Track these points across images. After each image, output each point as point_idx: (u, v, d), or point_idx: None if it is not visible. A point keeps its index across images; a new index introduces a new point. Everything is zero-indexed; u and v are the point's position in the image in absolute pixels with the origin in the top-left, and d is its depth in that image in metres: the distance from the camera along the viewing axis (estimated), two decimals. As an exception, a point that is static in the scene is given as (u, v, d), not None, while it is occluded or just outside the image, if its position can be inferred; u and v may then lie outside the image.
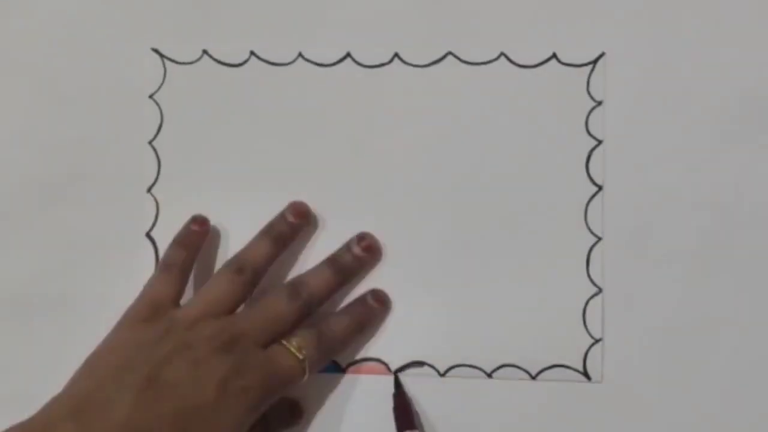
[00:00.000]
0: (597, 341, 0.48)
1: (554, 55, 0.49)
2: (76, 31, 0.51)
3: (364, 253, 0.48)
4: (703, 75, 0.49)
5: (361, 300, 0.48)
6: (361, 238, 0.48)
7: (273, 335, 0.45)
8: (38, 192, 0.51)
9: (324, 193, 0.50)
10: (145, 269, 0.50)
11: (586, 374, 0.48)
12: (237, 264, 0.47)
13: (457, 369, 0.49)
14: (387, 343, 0.49)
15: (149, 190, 0.51)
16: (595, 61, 0.49)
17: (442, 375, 0.49)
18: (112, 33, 0.51)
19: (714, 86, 0.49)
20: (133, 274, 0.50)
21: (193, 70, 0.51)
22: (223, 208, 0.50)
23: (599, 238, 0.48)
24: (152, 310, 0.45)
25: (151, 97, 0.51)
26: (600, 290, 0.48)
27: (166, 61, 0.51)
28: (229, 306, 0.46)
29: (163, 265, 0.48)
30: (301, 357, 0.44)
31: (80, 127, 0.51)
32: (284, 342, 0.45)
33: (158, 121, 0.51)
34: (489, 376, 0.48)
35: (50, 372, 0.49)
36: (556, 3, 0.49)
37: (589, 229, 0.48)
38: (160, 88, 0.51)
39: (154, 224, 0.51)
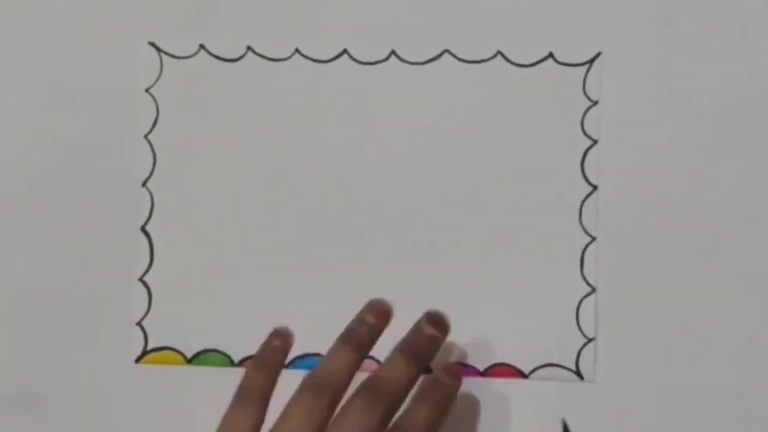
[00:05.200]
0: (590, 341, 0.48)
1: (551, 54, 0.49)
2: (73, 24, 0.51)
3: (436, 332, 0.44)
4: (700, 75, 0.49)
5: (434, 381, 0.44)
6: (431, 317, 0.45)
7: None
8: (32, 187, 0.51)
9: (319, 190, 0.50)
10: (140, 264, 0.50)
11: (578, 373, 0.48)
12: (314, 387, 0.41)
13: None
14: (380, 342, 0.49)
15: (144, 184, 0.51)
16: (591, 61, 0.49)
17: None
18: (109, 27, 0.51)
19: (711, 86, 0.49)
20: (128, 269, 0.50)
21: (189, 65, 0.51)
22: (218, 203, 0.50)
23: (593, 238, 0.48)
24: None
25: (147, 91, 0.51)
26: (593, 290, 0.48)
27: (162, 55, 0.51)
28: None
29: (241, 392, 0.43)
30: None
31: (75, 121, 0.51)
32: None
33: (154, 115, 0.51)
34: (482, 374, 0.48)
35: (50, 372, 0.49)
36: (553, 2, 0.49)
37: (584, 228, 0.49)
38: (156, 82, 0.51)
39: (148, 218, 0.50)
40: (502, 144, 0.49)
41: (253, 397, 0.43)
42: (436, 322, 0.45)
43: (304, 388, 0.42)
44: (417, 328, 0.45)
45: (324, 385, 0.41)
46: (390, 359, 0.43)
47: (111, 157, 0.51)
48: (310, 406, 0.41)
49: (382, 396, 0.41)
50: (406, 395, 0.42)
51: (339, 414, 0.41)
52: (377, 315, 0.44)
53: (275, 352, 0.45)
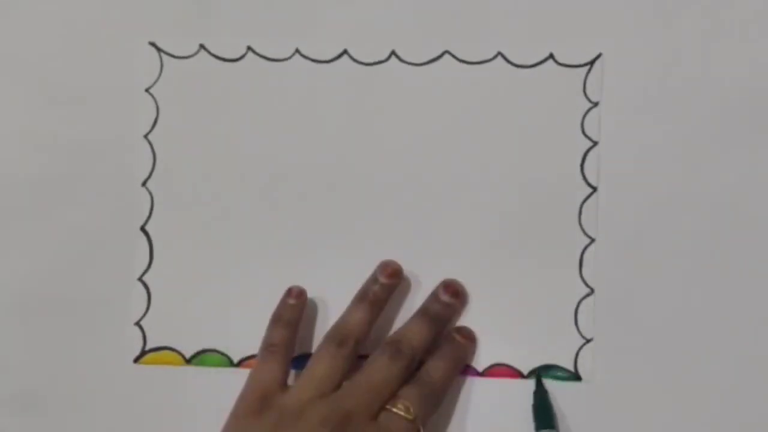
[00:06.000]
0: (588, 341, 0.48)
1: (551, 56, 0.49)
2: (73, 24, 0.51)
3: (452, 299, 0.48)
4: (700, 76, 0.49)
5: (449, 339, 0.48)
6: (447, 285, 0.48)
7: (381, 402, 0.44)
8: (32, 187, 0.51)
9: (319, 190, 0.50)
10: (140, 264, 0.50)
11: (576, 374, 0.48)
12: (338, 337, 0.46)
13: (448, 368, 0.49)
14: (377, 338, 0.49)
15: (144, 184, 0.51)
16: (592, 62, 0.49)
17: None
18: (110, 27, 0.51)
19: (711, 88, 0.49)
20: (127, 269, 0.50)
21: (189, 65, 0.51)
22: (218, 203, 0.50)
23: (592, 240, 0.48)
24: (261, 401, 0.44)
25: (147, 90, 0.51)
26: (592, 291, 0.48)
27: (162, 55, 0.51)
28: (336, 382, 0.45)
29: (266, 348, 0.47)
30: (411, 417, 0.44)
31: (75, 121, 0.51)
32: (392, 408, 0.44)
33: (154, 115, 0.51)
34: (480, 374, 0.49)
35: (49, 372, 0.49)
36: (553, 3, 0.49)
37: (583, 230, 0.49)
38: (156, 82, 0.51)
39: (148, 218, 0.50)
40: (502, 145, 0.49)
41: (276, 351, 0.46)
42: (452, 290, 0.48)
43: (328, 339, 0.46)
44: (434, 295, 0.48)
45: (346, 335, 0.46)
46: (410, 322, 0.48)
47: (111, 157, 0.51)
48: (335, 353, 0.45)
49: (402, 353, 0.45)
50: (422, 353, 0.46)
51: (364, 366, 0.45)
52: (389, 274, 0.48)
53: (292, 309, 0.48)
